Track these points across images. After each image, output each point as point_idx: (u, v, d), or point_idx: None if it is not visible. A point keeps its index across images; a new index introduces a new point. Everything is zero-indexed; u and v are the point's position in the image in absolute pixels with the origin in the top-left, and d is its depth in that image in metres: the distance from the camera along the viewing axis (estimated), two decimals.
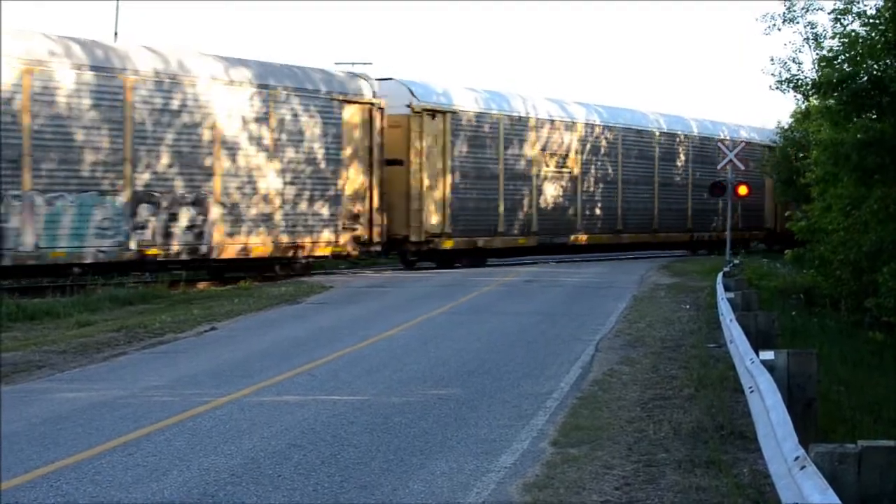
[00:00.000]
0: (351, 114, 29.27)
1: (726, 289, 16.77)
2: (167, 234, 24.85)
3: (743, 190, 34.33)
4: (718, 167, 35.88)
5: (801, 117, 40.12)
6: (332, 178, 28.77)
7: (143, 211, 24.31)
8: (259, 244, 26.96)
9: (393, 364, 13.54)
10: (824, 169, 24.08)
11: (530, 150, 35.19)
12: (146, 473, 8.27)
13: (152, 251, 24.61)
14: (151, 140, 24.50)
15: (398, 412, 10.51)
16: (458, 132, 32.64)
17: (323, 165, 28.51)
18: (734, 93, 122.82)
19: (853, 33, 22.05)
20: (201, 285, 25.89)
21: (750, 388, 8.43)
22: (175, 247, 25.04)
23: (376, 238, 30.16)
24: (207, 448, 9.06)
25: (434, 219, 31.89)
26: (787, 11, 32.92)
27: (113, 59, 24.02)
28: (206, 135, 25.61)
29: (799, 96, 34.04)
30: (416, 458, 8.78)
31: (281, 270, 27.89)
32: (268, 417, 10.29)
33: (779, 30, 34.02)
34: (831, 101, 22.81)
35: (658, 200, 41.22)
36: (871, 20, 21.81)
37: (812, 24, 32.80)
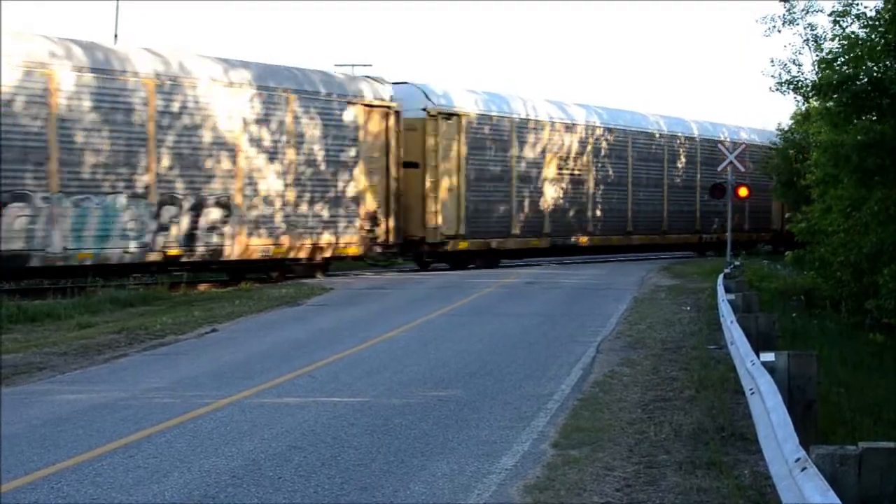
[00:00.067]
0: (368, 117, 29.70)
1: (727, 290, 16.77)
2: (190, 236, 25.29)
3: (743, 192, 34.40)
4: (719, 168, 35.99)
5: (802, 119, 40.13)
6: (350, 181, 29.22)
7: (167, 213, 24.72)
8: (279, 245, 27.37)
9: (393, 366, 13.55)
10: (824, 170, 24.09)
11: (542, 153, 35.70)
12: (147, 475, 8.28)
13: (176, 252, 24.98)
14: (174, 144, 24.92)
15: (399, 414, 10.52)
16: (473, 135, 33.11)
17: (341, 168, 28.98)
18: (734, 94, 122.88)
19: (853, 35, 22.06)
20: (202, 287, 25.96)
21: (751, 389, 8.43)
22: (198, 248, 25.48)
23: (393, 239, 30.63)
24: (208, 450, 9.06)
25: (449, 220, 32.27)
26: (787, 13, 32.92)
27: (127, 64, 24.33)
28: (229, 138, 26.07)
29: (799, 98, 34.03)
30: (416, 459, 8.78)
31: (300, 271, 28.32)
32: (268, 419, 10.30)
33: (779, 31, 33.96)
34: (831, 103, 22.83)
35: (667, 202, 41.73)
36: (870, 22, 21.82)
37: (812, 26, 32.83)
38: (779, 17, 33.52)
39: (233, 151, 26.19)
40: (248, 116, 26.57)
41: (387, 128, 30.13)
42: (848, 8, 23.07)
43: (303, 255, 28.12)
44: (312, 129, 28.16)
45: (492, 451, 9.06)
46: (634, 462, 8.76)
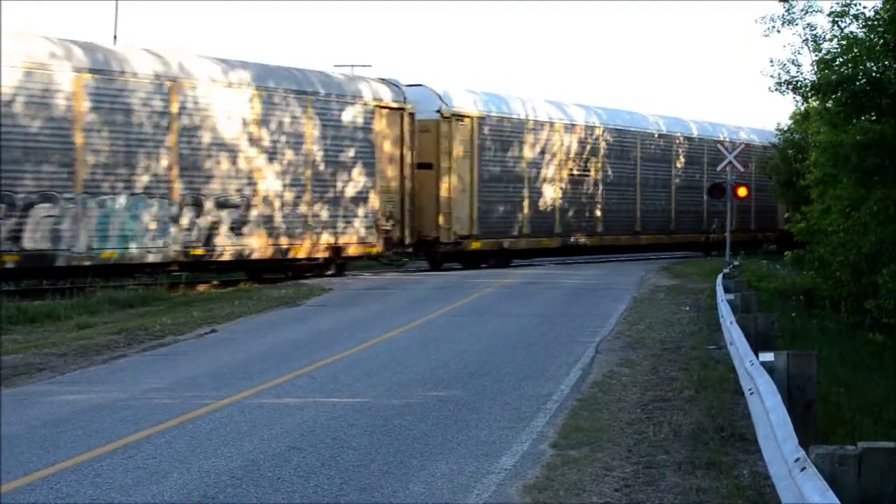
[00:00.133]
0: (384, 119, 30.17)
1: (726, 290, 16.76)
2: (211, 236, 25.74)
3: (742, 191, 34.49)
4: (718, 168, 36.19)
5: (801, 119, 40.14)
6: (366, 182, 29.69)
7: (189, 213, 25.18)
8: (297, 245, 27.86)
9: (393, 366, 13.55)
10: (823, 170, 24.11)
11: (552, 155, 36.25)
12: (146, 476, 8.27)
13: (198, 252, 25.45)
14: (196, 145, 25.41)
15: (398, 414, 10.51)
16: (485, 136, 33.63)
17: (358, 169, 29.45)
18: (734, 94, 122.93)
19: (851, 35, 22.07)
20: (201, 287, 26.06)
21: (750, 389, 8.43)
22: (218, 247, 25.95)
23: (408, 239, 31.15)
24: (207, 450, 9.06)
25: (462, 221, 32.75)
26: (786, 13, 32.86)
27: (164, 67, 24.88)
28: (245, 140, 26.52)
29: (798, 98, 34.00)
30: (416, 459, 8.78)
31: (317, 271, 28.75)
32: (268, 420, 10.29)
33: (778, 31, 33.87)
34: (830, 103, 22.84)
35: (675, 202, 42.28)
36: (869, 22, 21.83)
37: (811, 26, 32.73)
38: (778, 17, 33.44)
39: (253, 154, 26.68)
40: (271, 122, 27.08)
41: (402, 129, 30.66)
42: (846, 8, 23.08)
43: (320, 254, 28.62)
44: (333, 132, 28.73)
45: (491, 452, 9.06)
46: (633, 462, 8.76)
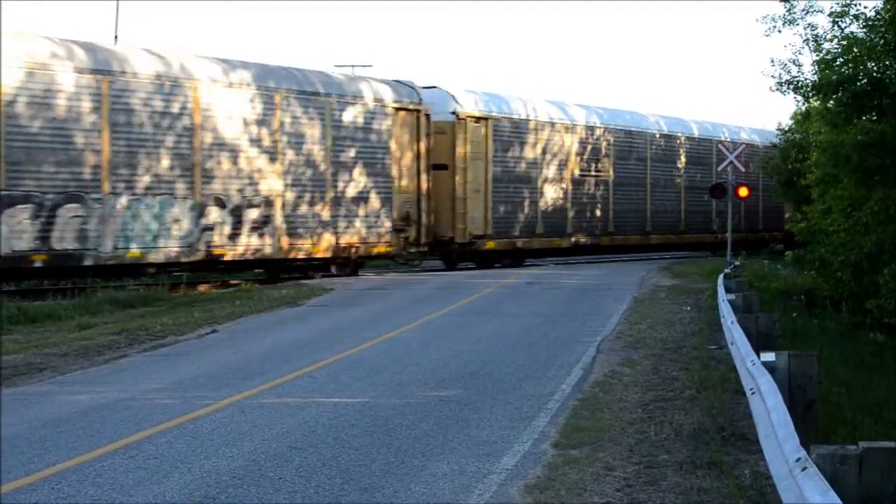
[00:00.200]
0: (401, 120, 30.60)
1: (727, 290, 16.75)
2: (233, 236, 26.21)
3: (743, 191, 34.48)
4: (719, 168, 36.33)
5: (802, 119, 40.14)
6: (384, 183, 30.14)
7: (212, 213, 25.68)
8: (318, 245, 28.33)
9: (394, 366, 13.54)
10: (824, 170, 24.11)
11: (566, 155, 36.75)
12: (147, 476, 8.27)
13: (219, 251, 25.92)
14: (220, 147, 25.90)
15: (399, 414, 10.51)
16: (499, 138, 34.10)
17: (376, 170, 29.88)
18: (734, 94, 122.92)
19: (851, 35, 22.07)
20: (202, 288, 26.15)
21: (751, 389, 8.42)
22: (239, 247, 26.42)
23: (424, 239, 31.59)
24: (209, 450, 9.06)
25: (477, 221, 33.21)
26: (787, 13, 32.86)
27: (182, 69, 25.30)
28: (266, 141, 26.98)
29: (799, 98, 34.02)
30: (417, 459, 8.77)
31: (336, 270, 29.17)
32: (269, 420, 10.29)
33: (779, 31, 33.87)
34: (831, 103, 22.84)
35: (684, 203, 42.72)
36: (870, 22, 21.83)
37: (812, 26, 32.74)
38: (779, 17, 33.44)
39: (273, 156, 27.15)
40: (291, 125, 27.53)
41: (418, 131, 31.09)
42: (846, 8, 23.08)
43: (339, 254, 29.05)
44: (351, 133, 29.17)
45: (492, 451, 9.06)
46: (635, 462, 8.75)
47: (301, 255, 28.09)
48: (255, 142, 26.70)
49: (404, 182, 30.77)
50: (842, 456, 5.06)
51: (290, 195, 27.56)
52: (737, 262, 29.17)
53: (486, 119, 33.52)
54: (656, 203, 41.16)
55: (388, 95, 30.44)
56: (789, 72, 33.29)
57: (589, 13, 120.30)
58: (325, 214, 28.45)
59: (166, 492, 7.85)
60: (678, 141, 42.69)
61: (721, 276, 21.70)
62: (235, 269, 28.03)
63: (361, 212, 29.48)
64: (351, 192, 29.22)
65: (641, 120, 41.41)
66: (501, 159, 34.15)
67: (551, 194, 36.11)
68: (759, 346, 10.04)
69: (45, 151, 22.52)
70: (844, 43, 22.20)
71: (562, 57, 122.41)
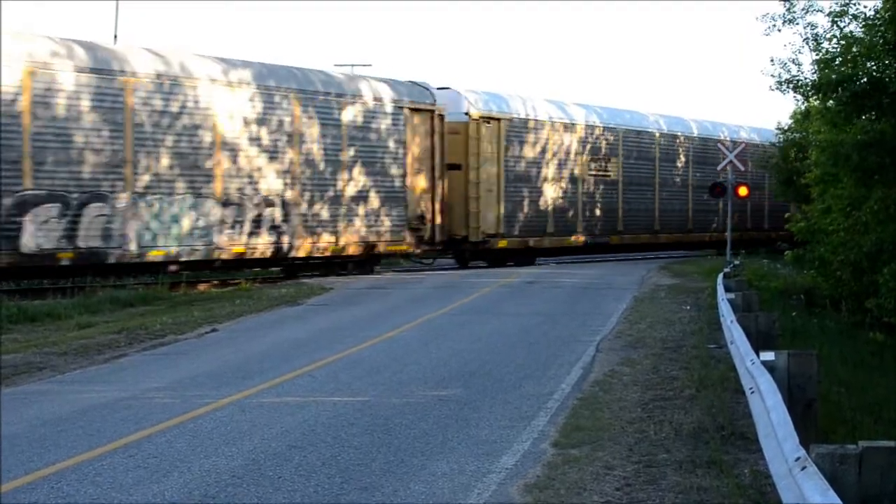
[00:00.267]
0: (415, 121, 31.00)
1: (727, 290, 16.75)
2: (252, 234, 26.66)
3: (743, 191, 34.55)
4: (719, 168, 36.44)
5: (801, 118, 40.14)
6: (399, 182, 30.60)
7: (232, 213, 26.16)
8: (335, 244, 28.84)
9: (393, 365, 13.55)
10: (824, 169, 24.12)
11: (576, 155, 37.21)
12: (147, 475, 8.27)
13: (239, 250, 26.44)
14: (240, 147, 26.38)
15: (399, 413, 10.51)
16: (512, 138, 34.54)
17: (392, 170, 30.41)
18: (734, 93, 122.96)
19: (850, 34, 22.06)
20: (202, 287, 26.17)
21: (751, 388, 8.43)
22: (260, 246, 26.92)
23: (438, 238, 32.02)
24: (208, 449, 9.06)
25: (490, 220, 33.70)
26: (787, 12, 32.83)
27: (186, 71, 25.62)
28: (283, 139, 27.45)
29: (799, 97, 34.00)
30: (416, 459, 8.77)
31: (353, 268, 29.63)
32: (268, 419, 10.29)
33: (779, 31, 33.82)
34: (831, 103, 22.84)
35: (692, 202, 43.06)
36: (869, 22, 21.82)
37: (812, 25, 32.71)
38: (778, 16, 33.33)
39: (293, 156, 27.60)
40: (305, 123, 27.94)
41: (432, 131, 31.48)
42: (845, 8, 23.07)
43: (356, 252, 29.48)
44: (366, 134, 29.61)
45: (492, 451, 9.06)
46: (634, 461, 8.75)
47: (318, 254, 28.61)
48: (277, 145, 27.18)
49: (421, 182, 31.21)
50: (841, 455, 5.06)
51: (308, 195, 28.01)
52: (736, 262, 29.17)
53: (497, 120, 33.90)
54: (664, 202, 41.50)
55: (406, 96, 30.95)
56: (789, 71, 33.23)
57: (589, 13, 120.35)
58: (343, 213, 28.89)
59: (166, 491, 7.85)
60: (684, 140, 42.90)
61: (720, 276, 21.69)
62: (254, 267, 28.60)
63: (378, 211, 29.95)
64: (370, 191, 29.70)
65: (642, 119, 41.60)
66: (513, 159, 34.55)
67: (561, 194, 36.51)
68: (758, 346, 10.04)
69: (70, 151, 22.88)
70: (844, 42, 22.21)
71: (561, 57, 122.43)
